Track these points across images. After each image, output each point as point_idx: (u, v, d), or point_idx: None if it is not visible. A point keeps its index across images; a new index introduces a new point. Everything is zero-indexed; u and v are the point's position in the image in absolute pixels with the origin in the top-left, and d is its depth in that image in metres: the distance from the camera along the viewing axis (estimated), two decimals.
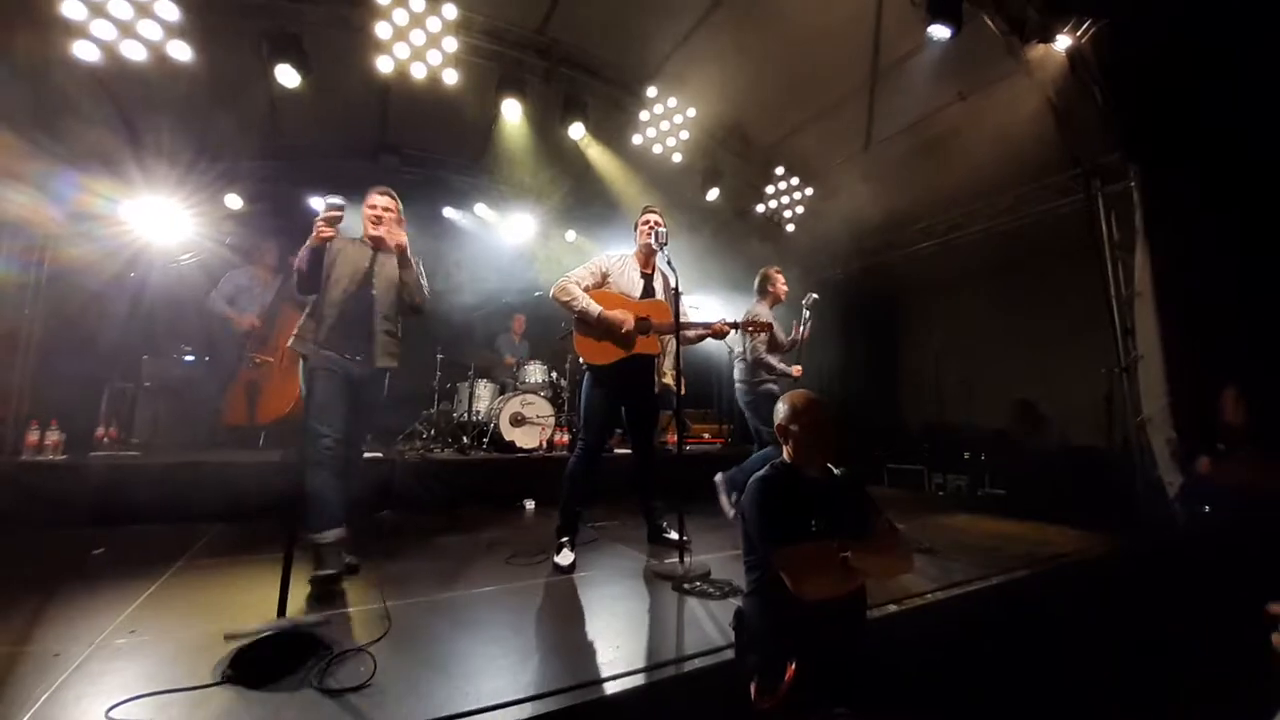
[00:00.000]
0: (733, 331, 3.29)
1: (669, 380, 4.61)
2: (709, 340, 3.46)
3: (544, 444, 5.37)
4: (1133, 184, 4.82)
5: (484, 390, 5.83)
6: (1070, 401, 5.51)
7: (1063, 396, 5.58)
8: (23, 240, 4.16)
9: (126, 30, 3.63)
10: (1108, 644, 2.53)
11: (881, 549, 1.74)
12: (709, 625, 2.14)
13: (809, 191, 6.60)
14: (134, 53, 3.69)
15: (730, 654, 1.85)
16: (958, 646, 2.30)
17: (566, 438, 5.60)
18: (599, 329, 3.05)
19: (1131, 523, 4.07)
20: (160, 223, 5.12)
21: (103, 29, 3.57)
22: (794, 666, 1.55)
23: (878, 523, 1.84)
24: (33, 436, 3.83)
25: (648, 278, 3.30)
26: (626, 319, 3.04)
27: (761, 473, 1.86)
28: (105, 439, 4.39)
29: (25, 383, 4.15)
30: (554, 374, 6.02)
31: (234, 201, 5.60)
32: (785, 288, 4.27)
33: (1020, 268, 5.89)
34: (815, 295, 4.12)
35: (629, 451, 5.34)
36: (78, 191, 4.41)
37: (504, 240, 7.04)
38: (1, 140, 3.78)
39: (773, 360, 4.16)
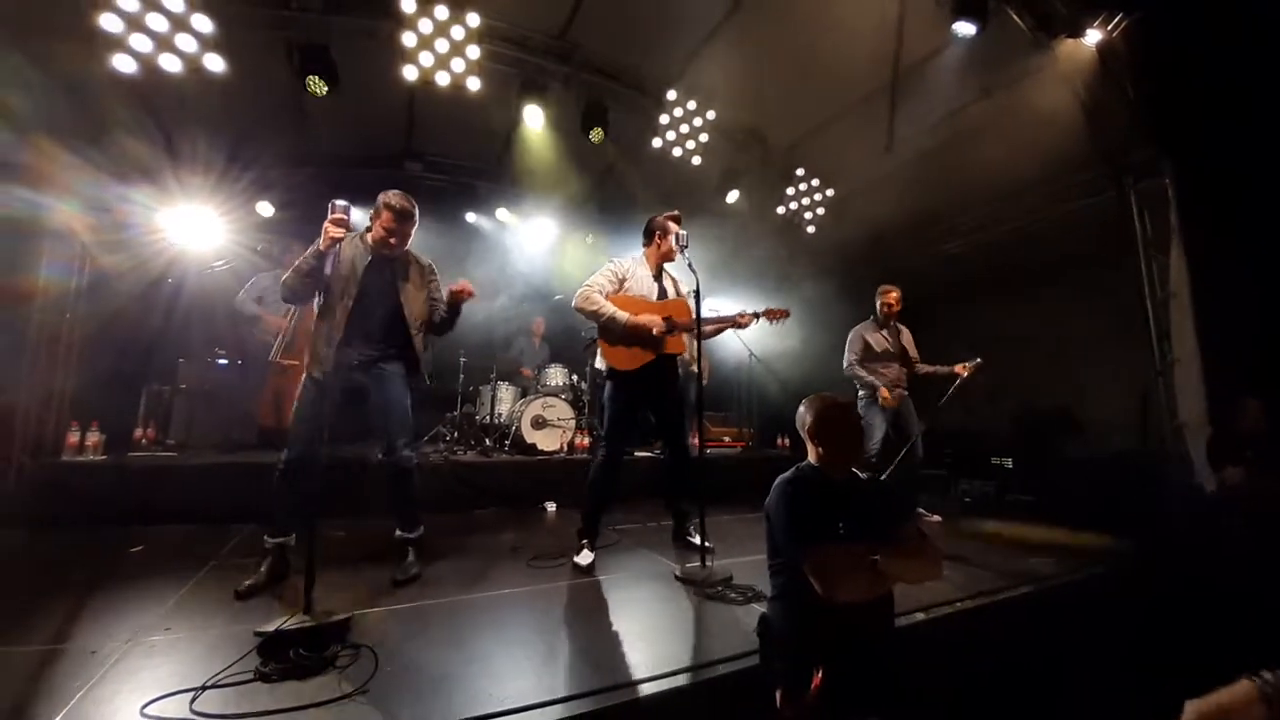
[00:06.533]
0: (755, 322, 3.27)
1: (694, 368, 4.64)
2: (728, 344, 3.46)
3: (565, 447, 5.39)
4: (1167, 180, 4.69)
5: (505, 393, 5.89)
6: (1101, 406, 5.35)
7: (1093, 401, 5.43)
8: (65, 247, 4.31)
9: (163, 43, 3.75)
10: (1141, 655, 2.45)
11: (911, 553, 1.70)
12: (732, 630, 2.13)
13: (830, 193, 6.53)
14: (170, 65, 3.80)
15: (754, 660, 1.83)
16: (987, 656, 2.25)
17: (587, 441, 5.61)
18: (626, 334, 3.07)
19: (1167, 530, 3.94)
20: (195, 230, 5.27)
21: (140, 42, 3.69)
22: (821, 674, 1.53)
23: (906, 528, 1.80)
24: (73, 437, 3.96)
25: (658, 279, 3.33)
26: (655, 321, 3.06)
27: (787, 475, 1.84)
28: (143, 440, 4.52)
29: (66, 385, 4.29)
30: (574, 377, 6.04)
31: (265, 209, 5.74)
32: (893, 305, 4.40)
33: (1048, 268, 5.74)
34: (980, 360, 4.11)
35: (649, 454, 5.40)
36: (117, 200, 4.56)
37: (525, 244, 7.10)
38: (46, 150, 3.94)
39: (862, 372, 4.27)
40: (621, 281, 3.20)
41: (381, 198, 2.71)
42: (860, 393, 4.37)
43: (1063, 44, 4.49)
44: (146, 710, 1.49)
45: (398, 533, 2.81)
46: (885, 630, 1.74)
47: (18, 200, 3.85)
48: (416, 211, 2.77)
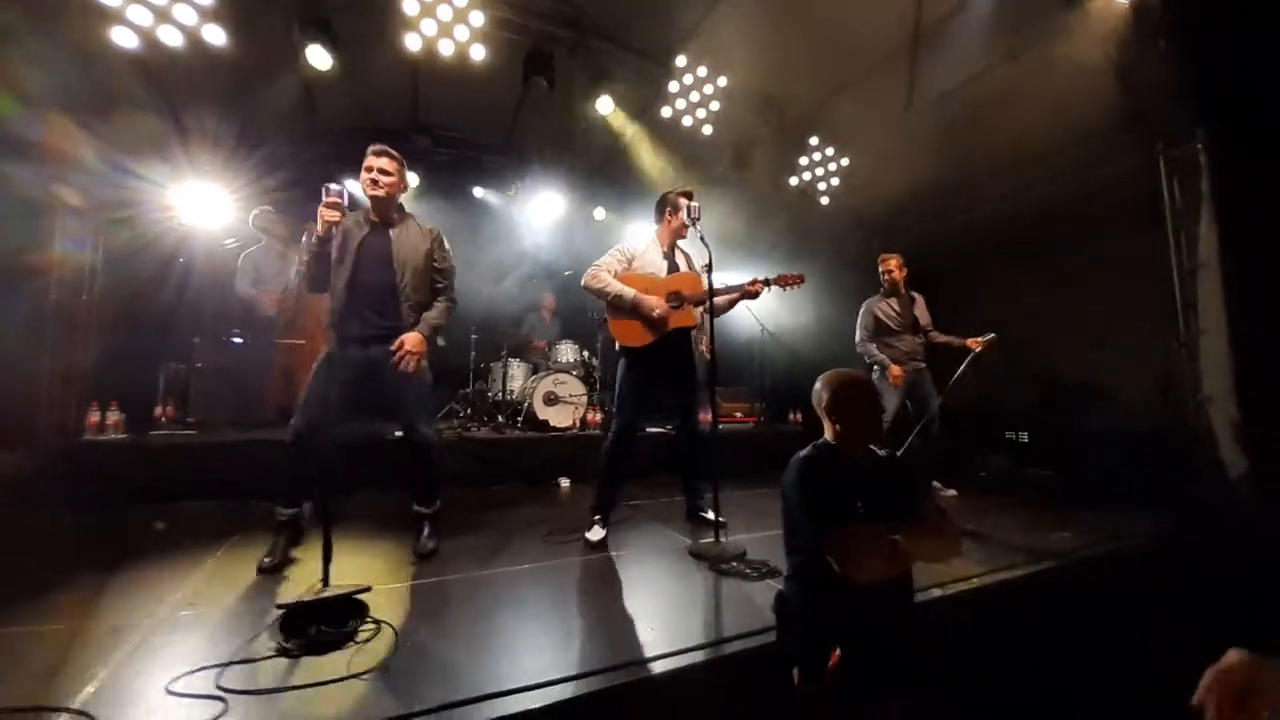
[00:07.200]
0: (768, 290, 3.21)
1: (704, 348, 4.60)
2: (739, 318, 3.41)
3: (577, 423, 5.40)
4: (1200, 146, 4.49)
5: (517, 370, 5.89)
6: (1122, 379, 5.24)
7: (1114, 374, 5.31)
8: (79, 224, 4.31)
9: (162, 15, 3.68)
10: (1162, 633, 2.43)
11: (931, 532, 1.68)
12: (748, 607, 2.13)
13: (845, 162, 6.37)
14: (170, 38, 3.74)
15: (770, 638, 1.83)
16: (1005, 633, 2.24)
17: (599, 416, 5.62)
18: (633, 312, 3.05)
19: (1188, 506, 3.88)
20: (205, 208, 5.26)
21: (139, 14, 3.63)
22: (839, 653, 1.52)
23: (925, 506, 1.78)
24: (93, 417, 4.01)
25: (670, 257, 3.28)
26: (658, 304, 3.03)
27: (804, 452, 1.81)
28: (163, 418, 4.58)
29: (86, 364, 4.34)
30: (585, 353, 6.03)
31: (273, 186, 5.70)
32: (893, 272, 4.37)
33: (1070, 238, 5.57)
34: (993, 335, 4.05)
35: (659, 429, 5.40)
36: (130, 177, 4.54)
37: (533, 219, 7.02)
38: (60, 126, 3.91)
39: (872, 348, 4.21)
40: (630, 260, 3.17)
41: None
42: (875, 370, 4.33)
43: (1093, 1, 4.27)
44: (172, 687, 1.51)
45: (415, 507, 2.84)
46: (904, 609, 1.72)
47: (34, 177, 3.84)
48: (399, 157, 2.73)
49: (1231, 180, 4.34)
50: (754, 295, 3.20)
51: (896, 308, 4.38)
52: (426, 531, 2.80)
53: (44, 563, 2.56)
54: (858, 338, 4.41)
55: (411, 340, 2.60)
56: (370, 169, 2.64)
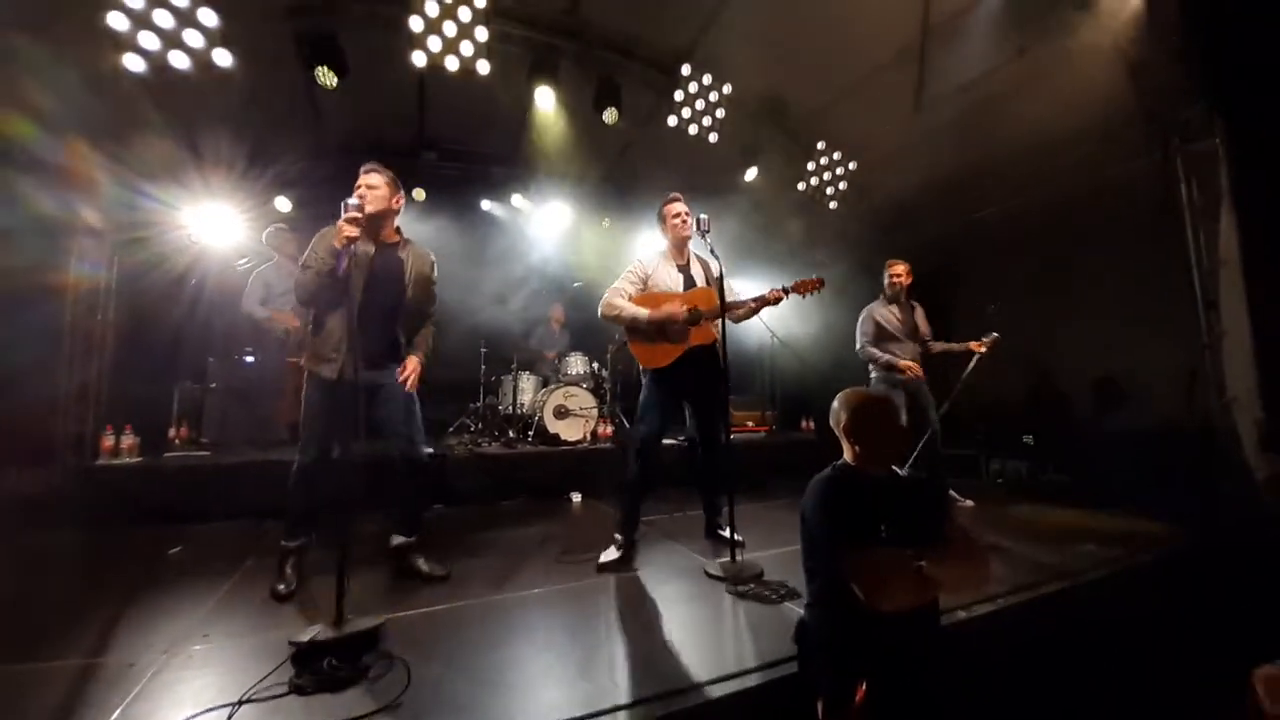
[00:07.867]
0: (787, 297, 3.15)
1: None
2: (749, 324, 3.36)
3: (588, 436, 5.36)
4: (1218, 140, 4.40)
5: (527, 383, 5.86)
6: (1141, 381, 5.13)
7: (1133, 375, 5.20)
8: (95, 245, 4.34)
9: (171, 40, 3.71)
10: (1202, 649, 2.34)
11: (958, 556, 1.62)
12: (767, 633, 2.08)
13: (853, 165, 6.31)
14: (180, 62, 3.77)
15: (792, 667, 1.78)
16: (1033, 654, 2.17)
17: (610, 429, 5.58)
18: (652, 332, 3.01)
19: (1214, 512, 3.78)
20: (217, 228, 5.30)
21: (148, 40, 3.66)
22: (865, 686, 1.47)
23: (949, 528, 1.72)
24: (108, 441, 4.02)
25: (684, 269, 3.23)
26: (678, 310, 2.98)
27: (824, 474, 1.77)
28: (177, 440, 4.59)
29: (101, 386, 4.36)
30: (595, 365, 5.99)
31: (283, 204, 5.73)
32: (901, 279, 4.30)
33: (1086, 236, 5.47)
34: (996, 335, 3.97)
35: (673, 441, 5.34)
36: (145, 198, 4.57)
37: (541, 230, 7.01)
38: (78, 150, 3.95)
39: (874, 351, 4.16)
40: (645, 280, 3.12)
41: None
42: (873, 374, 4.26)
43: None
44: None
45: (396, 539, 2.75)
46: (931, 636, 1.67)
47: (52, 198, 3.88)
48: (388, 173, 2.79)
49: (1253, 175, 4.25)
50: (774, 303, 3.12)
51: (898, 314, 4.32)
52: (422, 560, 2.74)
53: (60, 592, 2.56)
54: (858, 344, 4.34)
55: (413, 365, 2.74)
56: (358, 186, 2.68)
